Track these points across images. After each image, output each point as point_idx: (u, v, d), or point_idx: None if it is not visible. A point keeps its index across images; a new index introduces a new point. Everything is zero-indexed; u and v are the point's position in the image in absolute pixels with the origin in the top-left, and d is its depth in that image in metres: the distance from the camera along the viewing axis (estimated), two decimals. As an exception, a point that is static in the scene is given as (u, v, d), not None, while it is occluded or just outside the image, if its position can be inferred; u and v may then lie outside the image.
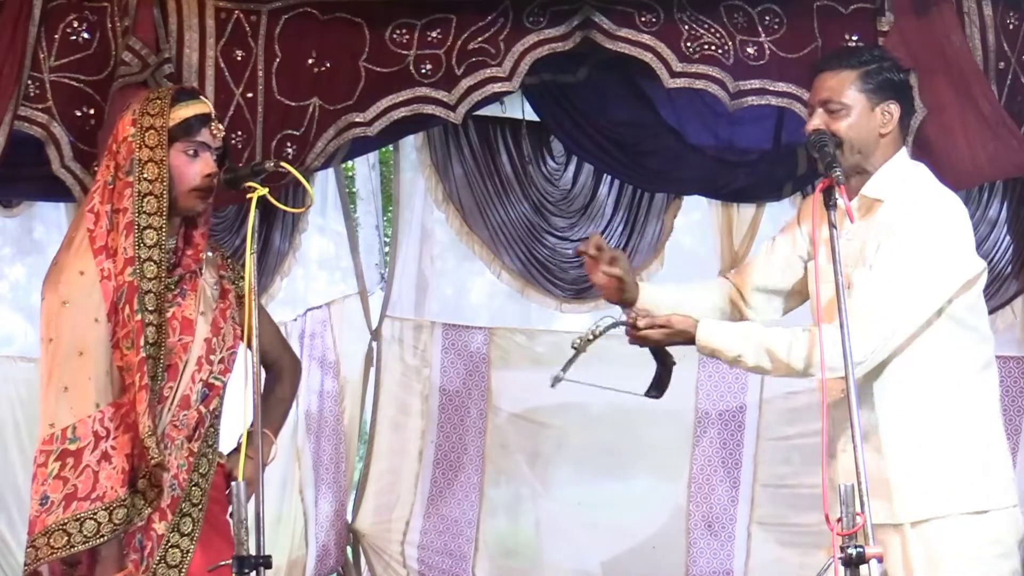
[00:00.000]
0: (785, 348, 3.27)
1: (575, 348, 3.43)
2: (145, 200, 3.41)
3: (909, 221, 3.30)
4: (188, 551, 3.44)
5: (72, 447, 3.34)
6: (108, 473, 3.35)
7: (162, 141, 3.44)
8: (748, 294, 3.63)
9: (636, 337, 3.42)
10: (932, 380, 3.32)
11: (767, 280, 3.62)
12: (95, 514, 3.32)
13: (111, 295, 3.39)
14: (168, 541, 3.43)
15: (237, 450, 3.46)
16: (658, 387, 3.57)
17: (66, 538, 3.31)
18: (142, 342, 3.35)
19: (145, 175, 3.42)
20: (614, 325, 3.42)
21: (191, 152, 3.48)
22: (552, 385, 3.41)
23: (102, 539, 3.32)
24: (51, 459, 3.35)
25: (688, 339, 3.36)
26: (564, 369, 3.42)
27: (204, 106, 3.55)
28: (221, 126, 3.55)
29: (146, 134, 3.45)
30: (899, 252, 3.27)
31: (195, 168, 3.48)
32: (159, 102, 3.49)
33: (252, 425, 3.30)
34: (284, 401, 3.89)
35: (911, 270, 3.24)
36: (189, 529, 3.46)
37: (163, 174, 3.43)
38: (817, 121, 3.36)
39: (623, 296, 3.58)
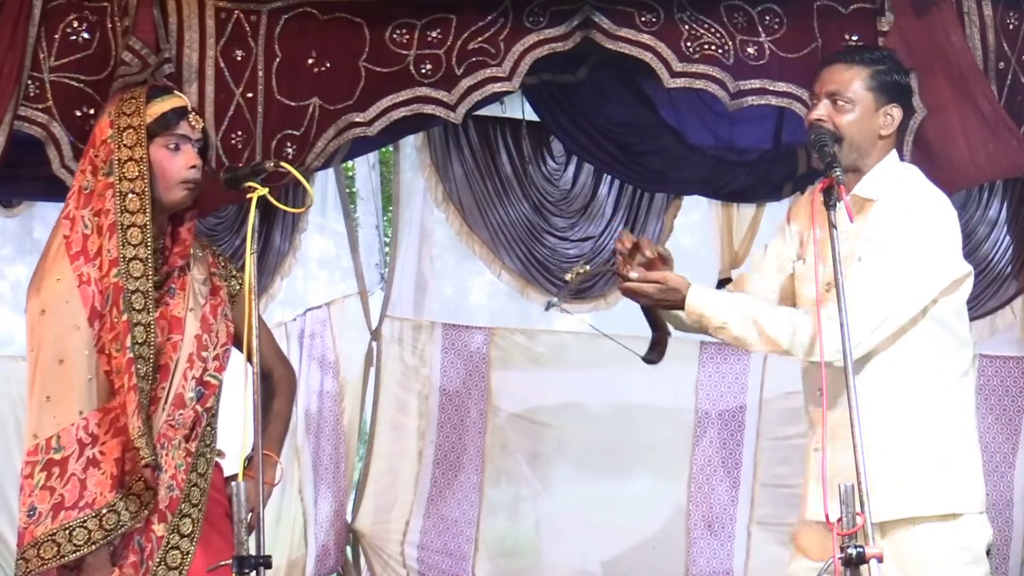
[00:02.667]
0: (774, 324, 3.28)
1: (566, 282, 3.47)
2: (127, 199, 3.40)
3: (900, 218, 3.31)
4: (188, 552, 3.42)
5: (57, 456, 3.33)
6: (97, 479, 3.33)
7: (140, 139, 3.43)
8: None
9: (627, 289, 3.37)
10: (911, 382, 3.31)
11: (764, 287, 3.61)
12: (84, 522, 3.31)
13: (91, 300, 3.38)
14: (168, 543, 3.41)
15: (237, 476, 3.38)
16: (655, 351, 3.55)
17: (56, 548, 3.29)
18: (129, 342, 3.32)
19: (126, 174, 3.41)
20: (608, 269, 3.44)
21: (172, 146, 3.47)
22: (546, 309, 3.45)
23: (94, 546, 3.30)
24: (36, 470, 3.33)
25: (678, 300, 3.33)
26: (558, 298, 3.43)
27: (180, 100, 3.55)
28: (200, 118, 3.55)
29: (124, 134, 3.44)
30: (889, 247, 3.28)
31: (178, 161, 3.47)
32: (134, 101, 3.49)
33: (252, 450, 3.28)
34: (282, 416, 3.79)
35: (901, 264, 3.26)
36: (189, 530, 3.44)
37: (143, 172, 3.41)
38: (822, 111, 3.35)
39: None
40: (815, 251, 3.30)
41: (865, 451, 3.13)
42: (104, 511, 3.31)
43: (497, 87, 4.44)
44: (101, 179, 3.43)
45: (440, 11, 4.41)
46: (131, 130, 3.43)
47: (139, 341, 3.35)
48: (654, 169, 5.53)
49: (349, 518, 6.02)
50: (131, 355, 3.32)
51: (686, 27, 4.42)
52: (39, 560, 3.30)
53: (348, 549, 6.03)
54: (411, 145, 5.92)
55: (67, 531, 3.30)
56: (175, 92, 3.59)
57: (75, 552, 3.29)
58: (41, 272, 3.46)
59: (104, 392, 3.37)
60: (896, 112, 3.39)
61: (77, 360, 3.37)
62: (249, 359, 3.30)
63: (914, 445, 3.28)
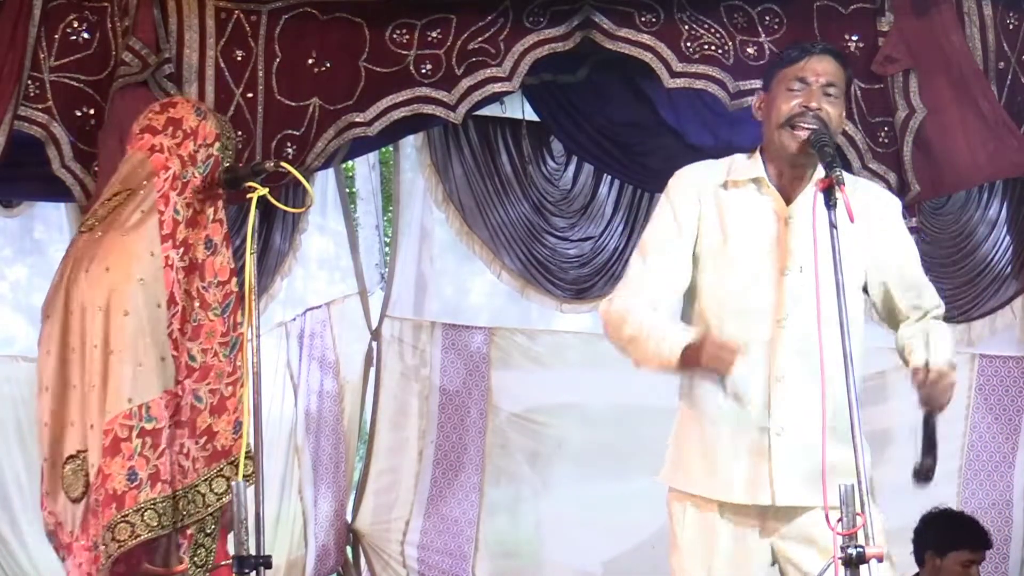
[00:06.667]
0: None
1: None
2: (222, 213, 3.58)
3: (896, 207, 3.45)
4: (211, 550, 3.48)
5: (148, 426, 3.35)
6: (174, 459, 3.42)
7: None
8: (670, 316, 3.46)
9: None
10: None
11: (679, 299, 3.45)
12: (170, 498, 3.39)
13: (171, 285, 3.43)
14: (196, 541, 3.47)
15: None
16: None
17: (157, 518, 3.33)
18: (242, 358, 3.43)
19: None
20: None
21: None
22: None
23: (183, 522, 3.40)
24: (134, 435, 3.34)
25: None
26: None
27: None
28: None
29: (223, 155, 3.62)
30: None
31: None
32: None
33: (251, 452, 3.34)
34: None
35: None
36: (212, 528, 3.49)
37: None
38: (824, 102, 3.33)
39: None
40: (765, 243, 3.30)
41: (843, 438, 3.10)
42: (182, 492, 3.41)
43: (497, 87, 4.45)
44: (199, 176, 3.53)
45: (440, 11, 4.42)
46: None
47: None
48: (654, 169, 5.52)
49: (349, 518, 6.02)
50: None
51: (686, 27, 4.43)
52: (145, 525, 3.32)
53: (348, 549, 6.03)
54: (411, 145, 5.92)
55: (165, 501, 3.35)
56: None
57: (164, 528, 3.35)
58: (131, 238, 3.45)
59: (170, 376, 3.42)
60: (843, 117, 3.44)
61: (159, 337, 3.41)
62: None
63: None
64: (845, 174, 3.34)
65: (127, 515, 3.31)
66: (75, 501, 3.40)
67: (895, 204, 3.45)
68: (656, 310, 3.30)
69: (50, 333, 3.46)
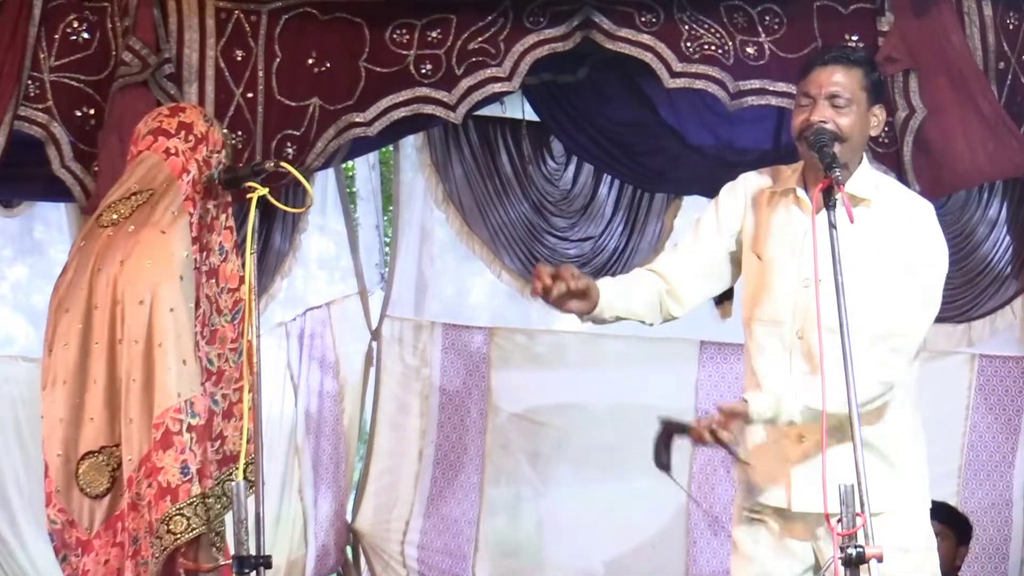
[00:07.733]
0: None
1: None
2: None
3: (933, 239, 3.42)
4: (221, 549, 3.51)
5: (193, 422, 3.37)
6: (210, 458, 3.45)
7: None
8: (683, 299, 3.55)
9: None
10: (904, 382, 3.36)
11: (703, 287, 3.56)
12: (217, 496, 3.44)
13: (199, 288, 3.47)
14: (211, 541, 3.51)
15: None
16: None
17: (206, 513, 3.36)
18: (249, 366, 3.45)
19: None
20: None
21: None
22: None
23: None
24: (184, 429, 3.36)
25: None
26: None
27: None
28: None
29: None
30: (933, 270, 3.41)
31: None
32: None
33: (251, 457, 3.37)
34: None
35: (934, 290, 3.41)
36: (222, 528, 3.52)
37: None
38: (828, 112, 3.32)
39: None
40: (794, 246, 3.31)
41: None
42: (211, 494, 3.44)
43: (497, 87, 4.45)
44: (213, 181, 3.56)
45: (440, 11, 4.42)
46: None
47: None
48: (654, 169, 5.53)
49: (349, 518, 6.02)
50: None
51: (686, 27, 4.43)
52: (198, 519, 3.35)
53: (348, 549, 6.03)
54: (411, 145, 5.92)
55: (213, 497, 3.41)
56: None
57: (206, 522, 3.37)
58: (168, 238, 3.45)
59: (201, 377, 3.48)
60: (880, 113, 3.40)
61: (193, 337, 3.43)
62: (249, 360, 3.35)
63: (900, 439, 3.32)
64: (885, 178, 3.37)
65: (182, 508, 3.33)
66: (96, 497, 3.41)
67: (921, 211, 3.41)
68: (665, 281, 3.47)
69: (69, 327, 3.44)
